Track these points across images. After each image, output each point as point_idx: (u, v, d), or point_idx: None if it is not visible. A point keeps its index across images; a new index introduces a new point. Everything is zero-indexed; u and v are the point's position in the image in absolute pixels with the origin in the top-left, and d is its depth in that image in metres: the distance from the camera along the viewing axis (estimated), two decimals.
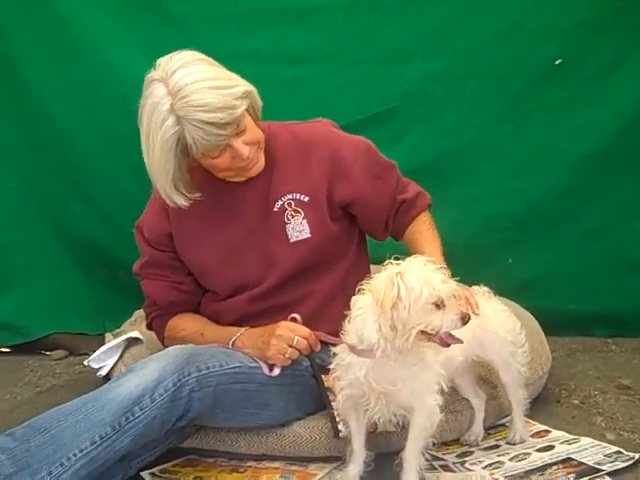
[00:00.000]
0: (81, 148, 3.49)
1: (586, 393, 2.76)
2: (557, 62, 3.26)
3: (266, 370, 2.24)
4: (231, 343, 2.30)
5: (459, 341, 1.97)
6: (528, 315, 2.90)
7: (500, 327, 2.27)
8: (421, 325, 1.90)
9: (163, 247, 2.45)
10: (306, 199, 2.36)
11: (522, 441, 2.34)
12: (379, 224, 2.51)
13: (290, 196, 2.36)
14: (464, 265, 3.23)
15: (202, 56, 2.21)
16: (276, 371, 2.25)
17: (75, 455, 1.90)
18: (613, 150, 3.28)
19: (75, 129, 3.47)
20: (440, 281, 1.89)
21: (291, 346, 2.22)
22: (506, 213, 3.41)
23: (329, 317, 2.20)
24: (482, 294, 2.32)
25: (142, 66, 3.32)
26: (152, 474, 2.22)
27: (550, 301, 3.33)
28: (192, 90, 2.10)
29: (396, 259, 1.95)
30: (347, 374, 2.03)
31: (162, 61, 2.17)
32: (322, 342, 2.21)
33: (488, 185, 3.40)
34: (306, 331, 2.22)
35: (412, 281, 1.88)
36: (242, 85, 2.19)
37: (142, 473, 2.20)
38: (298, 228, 2.35)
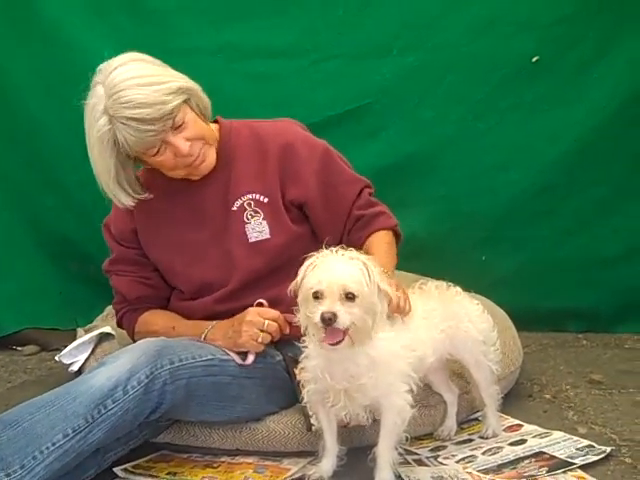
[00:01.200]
0: (53, 141, 3.46)
1: (558, 388, 2.78)
2: (534, 59, 3.27)
3: (239, 360, 2.24)
4: (203, 337, 2.30)
5: (331, 342, 1.88)
6: (500, 311, 2.90)
7: (471, 326, 2.26)
8: (301, 314, 1.91)
9: (129, 243, 2.44)
10: (265, 200, 2.35)
11: (495, 435, 2.35)
12: (332, 235, 2.31)
13: (250, 196, 2.35)
14: (438, 262, 3.32)
15: (143, 56, 2.22)
16: (250, 358, 2.25)
17: (48, 448, 1.88)
18: (590, 147, 3.30)
19: (48, 122, 3.45)
20: (332, 273, 1.85)
21: (262, 330, 2.22)
22: (482, 210, 3.42)
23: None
24: (454, 293, 2.31)
25: None
26: (125, 470, 2.20)
27: (523, 297, 3.35)
28: (122, 87, 2.11)
29: None
30: (309, 368, 2.03)
31: (104, 64, 2.19)
32: (292, 332, 2.18)
33: (464, 182, 3.41)
34: (275, 313, 2.23)
35: (305, 266, 1.90)
36: (178, 81, 2.19)
37: (115, 469, 2.18)
38: (258, 229, 2.34)
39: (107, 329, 2.71)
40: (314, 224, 2.41)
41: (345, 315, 1.83)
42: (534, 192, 3.38)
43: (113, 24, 3.37)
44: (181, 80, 2.20)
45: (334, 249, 1.92)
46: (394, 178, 3.41)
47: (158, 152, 2.19)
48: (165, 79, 2.17)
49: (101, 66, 2.18)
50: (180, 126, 2.17)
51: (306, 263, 1.92)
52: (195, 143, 2.22)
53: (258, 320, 2.22)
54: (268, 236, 2.34)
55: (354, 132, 3.42)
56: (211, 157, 2.30)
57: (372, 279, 1.88)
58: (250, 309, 2.25)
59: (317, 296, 1.86)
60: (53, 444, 1.89)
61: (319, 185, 2.37)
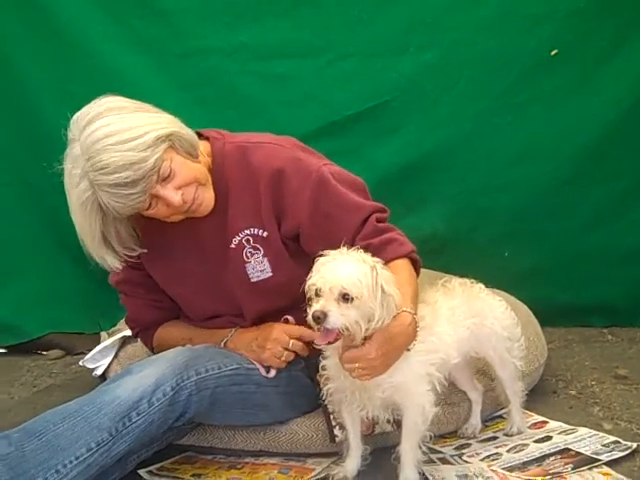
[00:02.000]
0: None
1: (583, 383, 2.76)
2: (553, 53, 3.24)
3: (263, 371, 2.24)
4: (222, 345, 2.28)
5: (320, 342, 1.88)
6: (524, 307, 2.89)
7: (496, 323, 2.25)
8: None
9: (136, 265, 2.31)
10: (265, 234, 2.20)
11: (520, 432, 2.34)
12: None
13: (247, 232, 2.20)
14: (459, 258, 3.31)
15: (118, 102, 2.03)
16: (272, 372, 2.25)
17: (71, 462, 1.87)
18: (609, 140, 3.27)
19: (66, 125, 3.44)
20: (333, 273, 1.85)
21: (287, 349, 2.21)
22: (501, 206, 3.39)
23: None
24: (477, 289, 2.30)
25: (131, 61, 3.31)
26: (150, 472, 2.22)
27: (546, 292, 3.33)
28: (96, 150, 1.93)
29: None
30: (328, 366, 2.04)
31: (76, 116, 2.00)
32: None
33: (483, 178, 3.39)
34: (301, 331, 2.20)
35: (316, 265, 1.89)
36: (157, 130, 1.98)
37: (140, 471, 2.19)
38: (259, 267, 2.21)
39: (130, 332, 2.70)
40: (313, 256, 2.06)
41: (337, 316, 1.82)
42: (553, 186, 3.35)
43: (129, 26, 3.36)
44: (160, 127, 2.00)
45: (346, 250, 1.92)
46: (413, 176, 3.41)
47: (150, 207, 2.04)
48: (142, 131, 1.96)
49: (74, 118, 2.01)
50: (168, 177, 2.01)
51: (318, 261, 1.91)
52: (187, 189, 2.06)
53: (284, 339, 2.21)
54: (270, 274, 2.21)
55: (372, 130, 3.40)
56: (208, 198, 2.14)
57: (376, 283, 1.86)
58: (276, 325, 2.23)
59: (317, 294, 1.85)
60: (76, 458, 1.88)
61: (312, 214, 2.15)
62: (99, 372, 2.64)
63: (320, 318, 1.81)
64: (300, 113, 3.36)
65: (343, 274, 1.84)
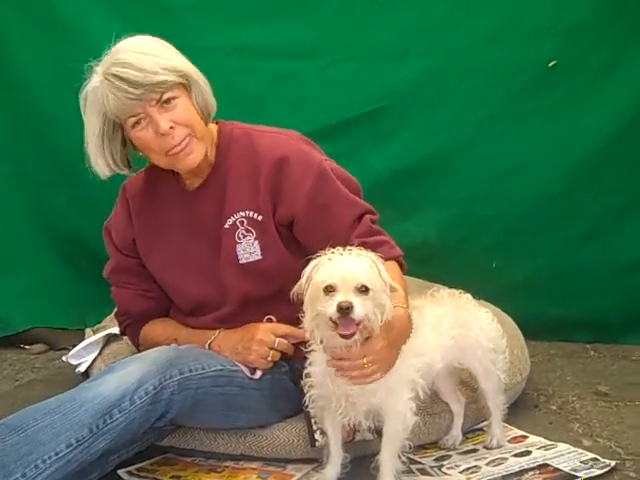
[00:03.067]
0: (68, 140, 3.43)
1: (564, 399, 2.77)
2: (551, 64, 3.24)
3: (247, 373, 2.24)
4: (207, 346, 2.28)
5: (345, 332, 1.87)
6: (508, 319, 2.89)
7: (481, 334, 2.26)
8: (308, 315, 1.90)
9: (129, 252, 2.40)
10: (259, 218, 2.23)
11: (499, 446, 2.34)
12: None
13: (242, 214, 2.24)
14: (448, 268, 3.31)
15: (159, 39, 2.19)
16: (258, 374, 2.25)
17: (50, 458, 1.87)
18: (606, 154, 3.27)
19: (63, 121, 3.44)
20: (344, 267, 1.86)
21: (272, 349, 2.22)
22: (496, 215, 3.39)
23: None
24: (465, 300, 2.31)
25: None
26: (129, 472, 2.21)
27: (533, 305, 3.33)
28: (120, 50, 2.11)
29: None
30: (313, 373, 2.04)
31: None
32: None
33: (479, 187, 3.39)
34: (286, 329, 2.21)
35: (311, 265, 1.90)
36: (182, 65, 2.14)
37: (119, 472, 2.19)
38: (249, 249, 2.24)
39: (115, 330, 2.70)
40: (305, 247, 2.19)
41: (360, 307, 1.83)
42: (549, 198, 3.35)
43: (129, 21, 3.34)
44: (187, 66, 2.16)
45: (340, 249, 1.92)
46: (409, 181, 3.41)
47: (138, 124, 2.11)
48: (169, 57, 2.13)
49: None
50: (167, 104, 2.10)
51: (311, 263, 1.91)
52: (179, 128, 2.12)
53: (269, 339, 2.21)
54: (259, 257, 2.24)
55: (370, 134, 3.41)
56: (198, 152, 2.18)
57: (382, 275, 1.89)
58: (261, 326, 2.23)
59: (329, 290, 1.85)
60: (56, 454, 1.88)
61: (310, 205, 2.20)
62: (82, 369, 2.64)
63: (349, 308, 1.82)
64: (299, 113, 3.36)
65: (356, 267, 1.86)
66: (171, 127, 2.10)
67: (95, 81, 2.12)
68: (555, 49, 3.24)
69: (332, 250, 1.92)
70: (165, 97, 2.10)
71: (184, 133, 2.14)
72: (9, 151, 3.55)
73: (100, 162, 2.20)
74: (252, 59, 3.38)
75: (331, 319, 1.84)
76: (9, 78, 3.46)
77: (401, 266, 2.23)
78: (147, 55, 2.09)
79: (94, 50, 3.27)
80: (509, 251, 3.42)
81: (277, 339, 2.21)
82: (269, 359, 2.22)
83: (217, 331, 2.30)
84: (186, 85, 2.15)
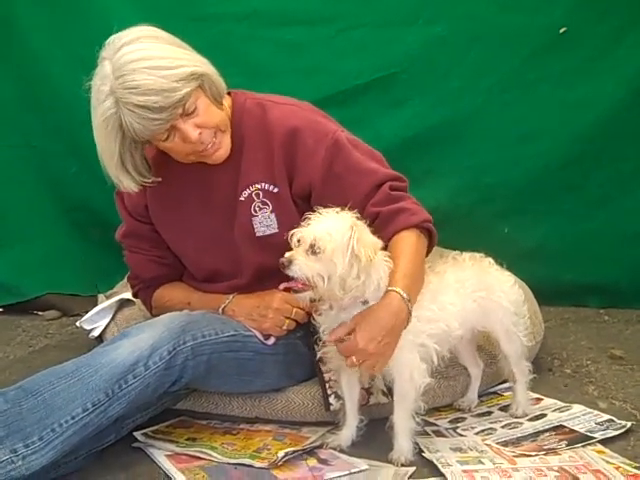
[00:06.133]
0: (78, 108, 3.39)
1: (578, 362, 2.77)
2: (561, 30, 3.21)
3: (261, 338, 2.24)
4: (221, 310, 2.27)
5: (287, 286, 1.95)
6: (522, 284, 2.83)
7: (503, 297, 2.25)
8: None
9: (142, 217, 2.38)
10: (275, 190, 2.21)
11: (524, 415, 2.31)
12: None
13: (258, 186, 2.22)
14: (461, 233, 3.28)
15: (157, 32, 2.08)
16: (271, 340, 2.25)
17: (67, 422, 1.88)
18: (617, 120, 3.25)
19: (73, 89, 3.37)
20: (309, 226, 1.92)
21: (288, 318, 2.22)
22: (507, 182, 3.38)
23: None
24: (487, 264, 2.30)
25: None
26: (145, 434, 2.22)
27: (545, 271, 3.32)
28: (129, 70, 1.97)
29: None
30: (322, 334, 2.06)
31: (112, 38, 2.04)
32: None
33: (490, 153, 3.37)
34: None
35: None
36: (191, 66, 2.04)
37: (135, 433, 2.20)
38: (265, 222, 2.22)
39: (127, 295, 2.72)
40: None
41: (301, 265, 1.87)
42: (560, 165, 3.33)
43: None
44: (195, 64, 2.06)
45: (326, 210, 1.95)
46: (420, 148, 3.39)
47: (167, 138, 2.08)
48: (177, 63, 2.01)
49: (110, 39, 2.04)
50: (191, 113, 2.05)
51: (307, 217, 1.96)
52: (206, 131, 2.10)
53: (286, 308, 2.21)
54: (276, 230, 2.22)
55: (380, 101, 3.39)
56: (226, 145, 2.18)
57: (349, 241, 1.88)
58: (277, 294, 2.21)
59: (296, 247, 1.91)
60: (72, 417, 1.89)
61: (325, 174, 2.17)
62: (96, 333, 2.64)
63: (284, 265, 1.88)
64: (309, 81, 3.34)
65: (317, 228, 1.90)
66: (200, 133, 2.08)
67: (108, 104, 2.01)
68: (565, 15, 3.21)
69: (332, 209, 1.95)
70: (189, 108, 2.05)
71: (211, 134, 2.12)
72: (17, 122, 3.54)
73: (124, 180, 2.16)
74: (262, 26, 3.35)
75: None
76: (15, 50, 3.44)
77: (429, 232, 2.19)
78: (159, 70, 1.98)
79: (103, 23, 3.29)
80: (521, 217, 3.42)
81: (294, 309, 2.21)
82: (284, 328, 2.22)
83: (231, 296, 2.29)
84: (201, 85, 2.08)
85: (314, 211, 2.12)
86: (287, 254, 1.89)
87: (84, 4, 3.36)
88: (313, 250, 1.88)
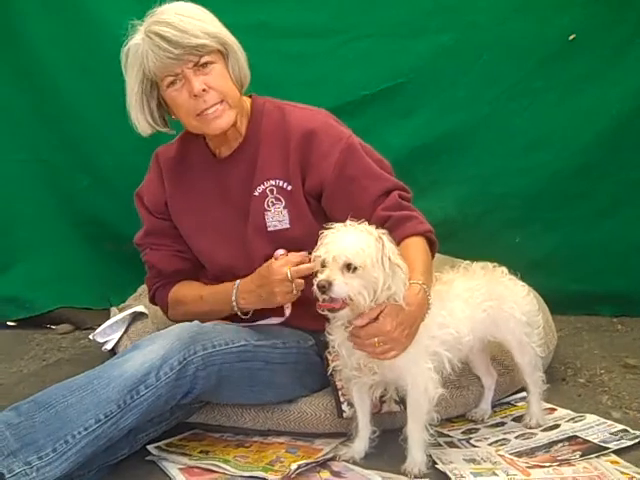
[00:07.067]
0: (88, 122, 3.48)
1: (592, 372, 2.75)
2: (571, 37, 3.21)
3: (277, 320, 2.27)
4: (235, 306, 2.25)
5: (327, 307, 1.92)
6: (535, 294, 2.83)
7: (516, 307, 2.23)
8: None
9: (161, 214, 2.44)
10: (289, 187, 2.28)
11: (539, 426, 2.29)
12: None
13: (273, 182, 2.29)
14: (471, 243, 3.29)
15: (204, 9, 2.24)
16: (287, 312, 2.26)
17: (80, 433, 1.89)
18: (625, 129, 3.24)
19: (82, 102, 3.46)
20: (337, 244, 1.90)
21: (292, 280, 2.16)
22: (516, 191, 3.37)
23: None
24: (499, 273, 2.29)
25: None
26: (158, 447, 2.23)
27: (556, 280, 3.30)
28: (164, 11, 2.18)
29: None
30: (332, 344, 2.07)
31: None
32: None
33: (498, 162, 3.37)
34: (298, 257, 2.15)
35: (320, 240, 1.97)
36: (222, 33, 2.21)
37: (148, 447, 2.20)
38: (278, 217, 2.28)
39: (140, 308, 2.74)
40: (330, 219, 2.08)
41: (341, 285, 1.87)
42: (568, 173, 3.32)
43: (145, 1, 3.33)
44: (227, 35, 2.22)
45: (350, 222, 1.95)
46: (427, 158, 3.40)
47: (173, 84, 2.18)
48: (211, 23, 2.20)
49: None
50: (204, 68, 2.17)
51: (323, 234, 1.96)
52: (212, 92, 2.18)
53: (284, 272, 2.14)
54: (287, 226, 2.28)
55: (387, 112, 3.40)
56: (228, 117, 2.23)
57: (383, 254, 1.90)
58: (272, 266, 2.16)
59: (323, 265, 1.90)
60: (85, 429, 1.90)
61: (338, 175, 2.23)
62: (109, 347, 2.65)
63: (325, 287, 1.87)
64: (316, 92, 3.33)
65: (346, 244, 1.90)
66: (204, 90, 2.17)
67: (137, 38, 2.18)
68: (573, 25, 3.21)
69: (344, 223, 1.95)
70: (203, 61, 2.17)
71: (216, 98, 2.20)
72: (27, 136, 3.55)
73: (140, 119, 2.28)
74: (269, 38, 3.35)
75: (316, 296, 1.89)
76: (25, 63, 3.46)
77: (431, 242, 2.23)
78: (190, 18, 2.15)
79: (112, 36, 3.30)
80: (530, 226, 3.41)
81: (291, 269, 2.13)
82: (294, 292, 2.16)
83: (235, 284, 2.27)
84: (224, 53, 2.22)
85: (324, 212, 2.22)
86: (322, 276, 1.88)
87: (95, 18, 3.39)
88: (348, 268, 1.88)
